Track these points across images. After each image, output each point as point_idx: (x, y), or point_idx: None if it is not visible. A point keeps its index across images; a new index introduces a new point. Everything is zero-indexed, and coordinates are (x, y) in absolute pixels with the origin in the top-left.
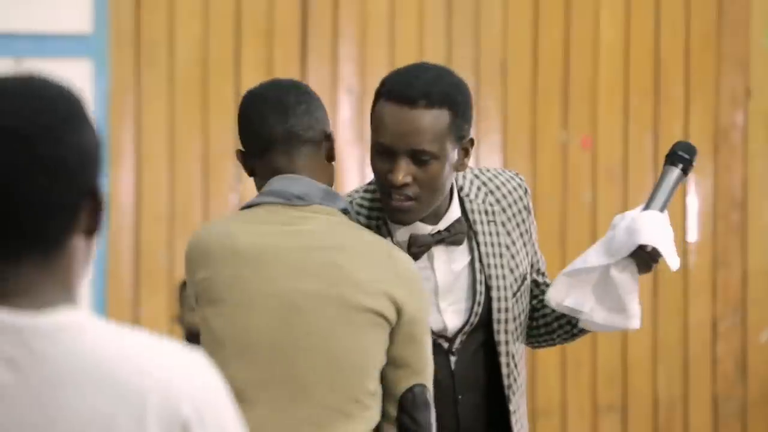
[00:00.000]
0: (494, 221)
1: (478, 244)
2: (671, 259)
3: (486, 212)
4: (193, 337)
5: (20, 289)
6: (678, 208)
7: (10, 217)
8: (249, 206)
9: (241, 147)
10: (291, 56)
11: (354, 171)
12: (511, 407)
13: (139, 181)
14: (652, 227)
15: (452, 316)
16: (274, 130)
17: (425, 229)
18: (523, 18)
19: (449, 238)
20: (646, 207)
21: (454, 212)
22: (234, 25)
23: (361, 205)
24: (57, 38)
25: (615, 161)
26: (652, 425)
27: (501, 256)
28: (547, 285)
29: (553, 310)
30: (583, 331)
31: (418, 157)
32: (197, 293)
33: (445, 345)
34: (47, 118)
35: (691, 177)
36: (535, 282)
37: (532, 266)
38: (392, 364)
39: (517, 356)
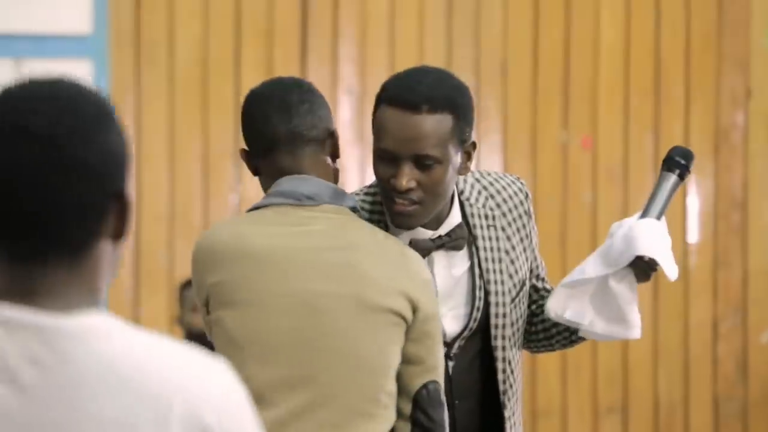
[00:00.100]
0: (494, 226)
1: (477, 248)
2: (669, 270)
3: (486, 217)
4: (193, 337)
5: (45, 291)
6: (678, 209)
7: (36, 218)
8: (257, 207)
9: (245, 146)
10: (291, 56)
11: (354, 171)
12: (506, 413)
13: (139, 181)
14: (650, 237)
15: (451, 321)
16: (278, 130)
17: (426, 233)
18: (524, 18)
19: (449, 243)
20: (643, 214)
21: (455, 217)
22: (234, 25)
23: (361, 208)
24: (57, 39)
25: (615, 161)
26: (652, 426)
27: (500, 261)
28: (547, 290)
29: None
30: (582, 338)
31: (422, 162)
32: (208, 296)
33: (443, 350)
34: (75, 119)
35: (692, 177)
36: (534, 287)
37: (531, 271)
38: (406, 361)
39: (513, 362)
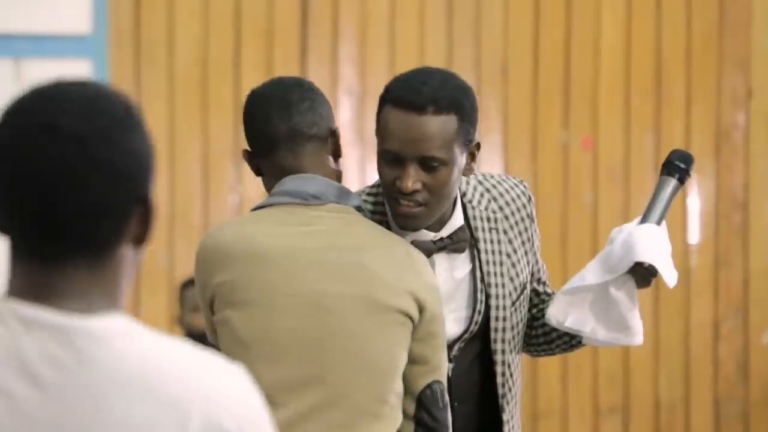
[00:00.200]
0: (496, 228)
1: (479, 251)
2: (668, 276)
3: (488, 219)
4: (193, 337)
5: (65, 292)
6: (679, 209)
7: (61, 218)
8: (262, 207)
9: (247, 147)
10: (291, 57)
11: (354, 171)
12: (505, 417)
13: None
14: (649, 242)
15: (452, 323)
16: (278, 128)
17: (427, 235)
18: (524, 18)
19: (451, 245)
20: (643, 220)
21: (458, 219)
22: (234, 26)
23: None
24: (56, 39)
25: (616, 162)
26: (653, 427)
27: (501, 264)
28: (548, 294)
29: None
30: (581, 343)
31: (428, 164)
32: (213, 296)
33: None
34: (103, 121)
35: (693, 177)
36: (535, 291)
37: (532, 275)
38: (411, 361)
39: (513, 366)
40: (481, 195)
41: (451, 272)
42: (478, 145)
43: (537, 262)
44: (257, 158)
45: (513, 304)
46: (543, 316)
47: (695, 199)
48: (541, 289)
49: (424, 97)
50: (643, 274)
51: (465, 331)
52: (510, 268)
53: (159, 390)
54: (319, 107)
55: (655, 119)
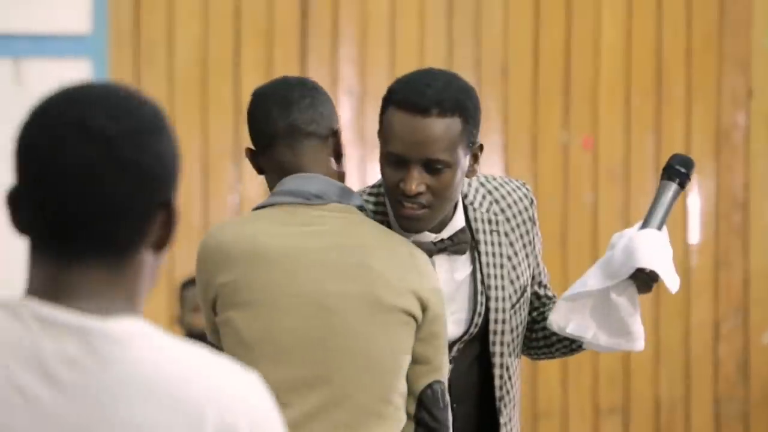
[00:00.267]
0: (497, 231)
1: (479, 253)
2: (669, 282)
3: (489, 221)
4: (193, 337)
5: (85, 293)
6: (679, 209)
7: (84, 217)
8: (263, 206)
9: (250, 146)
10: (291, 57)
11: (354, 171)
12: (502, 419)
13: None
14: (650, 248)
15: (452, 325)
16: (277, 124)
17: (428, 236)
18: (524, 18)
19: (452, 247)
20: (644, 225)
21: (459, 221)
22: (233, 26)
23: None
24: (56, 38)
25: (616, 162)
26: (653, 427)
27: (502, 266)
28: (549, 298)
29: None
30: (581, 348)
31: (432, 166)
32: (216, 296)
33: None
34: (132, 122)
35: (693, 177)
36: (536, 294)
37: (533, 278)
38: (413, 360)
39: (512, 369)
40: (483, 197)
41: (451, 274)
42: (481, 147)
43: (538, 265)
44: (259, 156)
45: (513, 306)
46: (544, 319)
47: (695, 199)
48: (542, 292)
49: (428, 99)
50: (644, 280)
51: (464, 333)
52: (510, 270)
53: (175, 393)
54: (320, 106)
55: (656, 119)
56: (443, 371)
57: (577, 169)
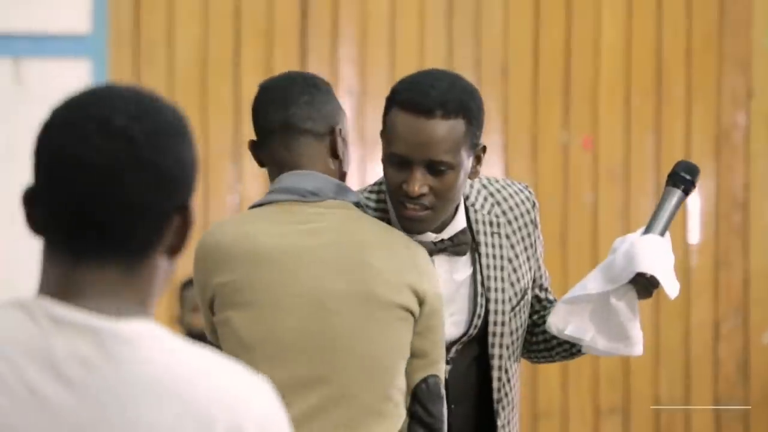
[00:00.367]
0: (498, 233)
1: (480, 255)
2: (669, 288)
3: (491, 224)
4: (193, 337)
5: (98, 294)
6: (680, 209)
7: (101, 216)
8: (260, 204)
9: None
10: (290, 57)
11: (354, 171)
12: (499, 422)
13: None
14: (651, 253)
15: (451, 326)
16: (273, 119)
17: (429, 236)
18: (524, 18)
19: (452, 247)
20: (647, 230)
21: (460, 222)
22: (233, 26)
23: (366, 206)
24: (56, 38)
25: (616, 162)
26: (653, 428)
27: (502, 269)
28: (550, 301)
29: None
30: (581, 352)
31: (435, 168)
32: (214, 296)
33: None
34: (154, 124)
35: None
36: (537, 297)
37: (534, 281)
38: (410, 354)
39: (511, 371)
40: (485, 199)
41: (451, 274)
42: (484, 148)
43: (539, 268)
44: (259, 149)
45: (512, 309)
46: (544, 322)
47: (695, 199)
48: (542, 295)
49: (432, 100)
50: (644, 285)
51: (463, 334)
52: (511, 273)
53: (184, 394)
54: (319, 103)
55: (656, 119)
56: (439, 366)
57: (577, 169)
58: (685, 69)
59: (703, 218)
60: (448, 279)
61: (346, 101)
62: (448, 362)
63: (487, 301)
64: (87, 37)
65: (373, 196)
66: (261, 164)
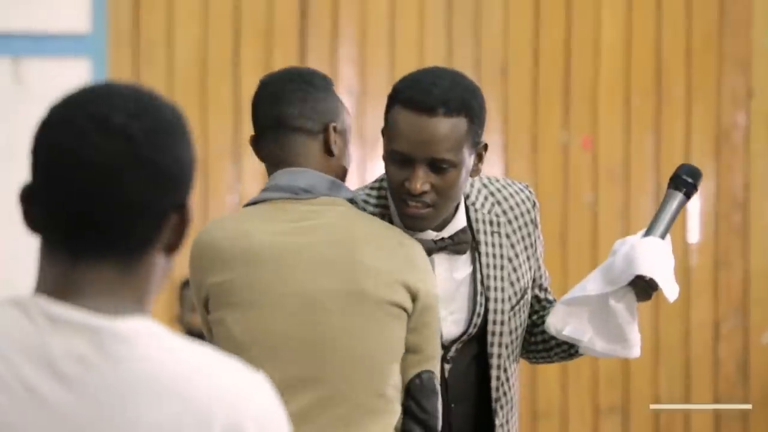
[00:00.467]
0: (498, 232)
1: (479, 254)
2: (668, 291)
3: (491, 223)
4: (193, 337)
5: (95, 292)
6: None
7: (98, 214)
8: (255, 202)
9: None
10: (290, 57)
11: (354, 171)
12: (498, 421)
13: None
14: (651, 256)
15: (451, 325)
16: (266, 116)
17: (429, 234)
18: (524, 18)
19: (452, 246)
20: (647, 232)
21: (460, 221)
22: (233, 26)
23: (366, 202)
24: (55, 38)
25: (616, 162)
26: (653, 427)
27: (502, 268)
28: (549, 302)
29: None
30: (579, 353)
31: (437, 166)
32: (209, 295)
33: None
34: (153, 122)
35: None
36: (536, 297)
37: (534, 281)
38: (404, 350)
39: (510, 370)
40: (485, 198)
41: (450, 273)
42: (486, 146)
43: (539, 268)
44: (257, 145)
45: (512, 308)
46: (543, 322)
47: (695, 198)
48: (542, 295)
49: (434, 98)
50: (643, 288)
51: (463, 333)
52: (511, 272)
53: (183, 391)
54: (313, 101)
55: (655, 119)
56: (434, 361)
57: (577, 169)
58: (685, 69)
59: (703, 218)
60: (448, 277)
61: (345, 101)
62: (448, 361)
63: (487, 300)
64: (87, 37)
65: (374, 193)
66: (262, 160)
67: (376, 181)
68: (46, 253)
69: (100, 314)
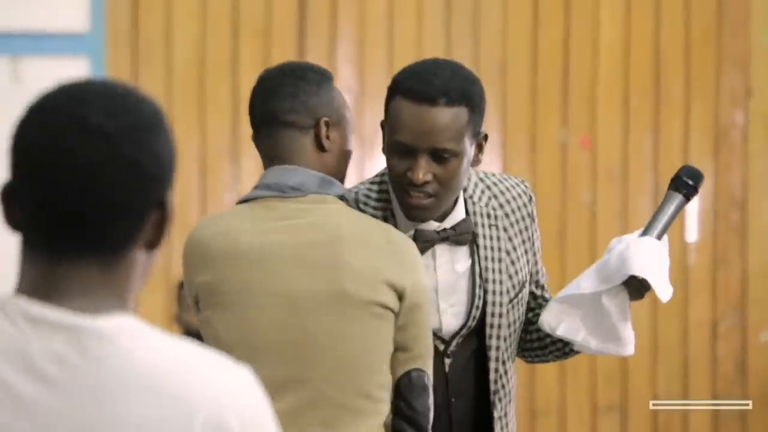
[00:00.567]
0: (496, 225)
1: (478, 247)
2: (661, 292)
3: (488, 216)
4: (191, 336)
5: (75, 291)
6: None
7: (79, 214)
8: (245, 200)
9: None
10: (288, 56)
11: (353, 170)
12: (496, 413)
13: None
14: (645, 256)
15: (451, 317)
16: (258, 111)
17: (431, 225)
18: (523, 18)
19: (454, 236)
20: (645, 232)
21: (460, 212)
22: (231, 25)
23: (367, 196)
24: (54, 37)
25: (614, 161)
26: (651, 426)
27: (500, 260)
28: (545, 299)
29: None
30: (574, 351)
31: (439, 155)
32: (197, 295)
33: (441, 347)
34: (131, 120)
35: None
36: (533, 295)
37: (531, 276)
38: (394, 348)
39: (507, 363)
40: (482, 192)
41: (452, 264)
42: (486, 137)
43: (536, 263)
44: (256, 140)
45: (510, 301)
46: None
47: (694, 198)
48: (539, 293)
49: (435, 88)
50: (636, 287)
51: (463, 326)
52: (509, 265)
53: (165, 388)
54: (304, 95)
55: (654, 118)
56: (424, 360)
57: (576, 168)
58: (683, 68)
59: (701, 217)
60: (450, 269)
61: None
62: (448, 355)
63: (485, 293)
64: (85, 36)
65: (375, 187)
66: (261, 157)
67: (377, 176)
68: (26, 252)
69: (81, 313)
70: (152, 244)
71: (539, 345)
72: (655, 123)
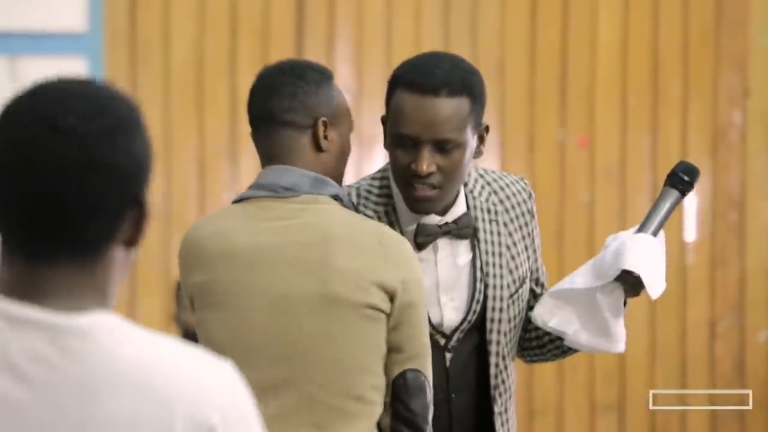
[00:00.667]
0: (496, 221)
1: (478, 241)
2: (652, 288)
3: (489, 211)
4: (189, 336)
5: (54, 290)
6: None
7: (55, 216)
8: (240, 200)
9: None
10: (287, 56)
11: (351, 169)
12: (497, 408)
13: None
14: (639, 252)
15: (452, 312)
16: (256, 109)
17: (433, 218)
18: (521, 17)
19: (456, 230)
20: (640, 229)
21: (461, 206)
22: (229, 25)
23: (369, 192)
24: (52, 36)
25: (612, 161)
26: (649, 425)
27: (501, 255)
28: None
29: None
30: (572, 350)
31: (442, 146)
32: (192, 295)
33: (442, 342)
34: (104, 121)
35: None
36: (532, 292)
37: (531, 273)
38: (388, 349)
39: (507, 358)
40: (482, 187)
41: (453, 258)
42: (487, 128)
43: (536, 260)
44: (253, 139)
45: (511, 296)
46: None
47: (692, 197)
48: (538, 290)
49: (437, 79)
50: (631, 283)
51: (463, 321)
52: (509, 260)
53: (145, 386)
54: (303, 94)
55: (652, 118)
56: (420, 360)
57: (574, 168)
58: (681, 68)
59: (699, 217)
60: (452, 263)
61: None
62: (449, 350)
63: (486, 287)
64: (83, 36)
65: (376, 183)
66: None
67: (378, 172)
68: (4, 253)
69: (60, 312)
70: (131, 242)
71: (538, 344)
72: (653, 123)
